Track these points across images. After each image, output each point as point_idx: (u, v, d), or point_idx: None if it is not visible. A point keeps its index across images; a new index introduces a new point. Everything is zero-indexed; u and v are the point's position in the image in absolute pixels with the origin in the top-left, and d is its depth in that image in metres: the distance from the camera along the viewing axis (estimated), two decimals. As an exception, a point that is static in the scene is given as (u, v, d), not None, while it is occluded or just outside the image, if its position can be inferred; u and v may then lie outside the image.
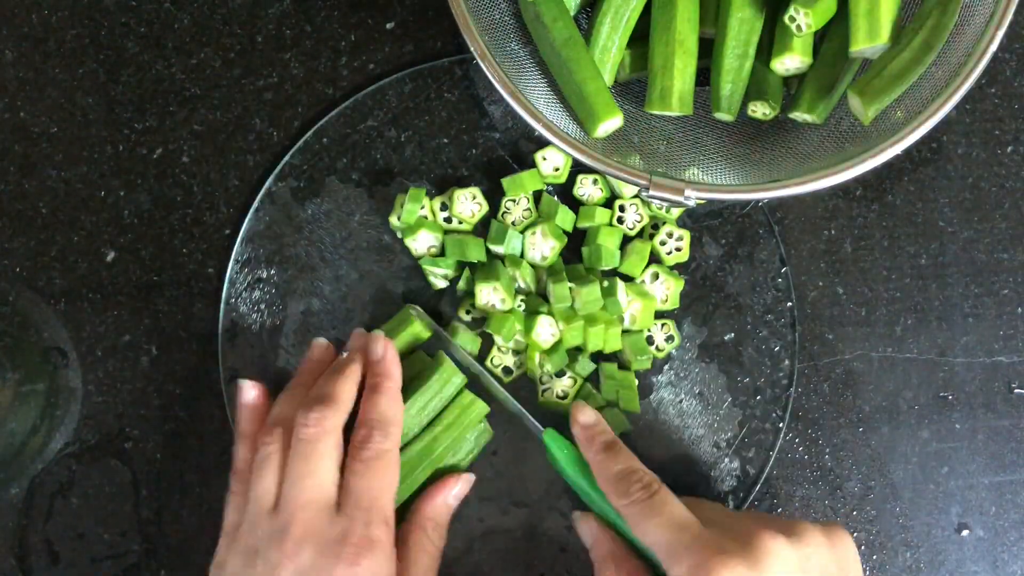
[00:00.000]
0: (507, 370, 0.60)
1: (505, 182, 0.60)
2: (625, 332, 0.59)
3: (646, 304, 0.59)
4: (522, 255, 0.60)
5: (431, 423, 0.58)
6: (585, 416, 0.57)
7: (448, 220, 0.61)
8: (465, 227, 0.61)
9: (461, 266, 0.61)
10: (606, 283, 0.58)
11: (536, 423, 0.58)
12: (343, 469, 0.54)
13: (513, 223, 0.61)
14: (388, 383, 0.56)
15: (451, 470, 0.58)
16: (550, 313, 0.59)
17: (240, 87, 0.63)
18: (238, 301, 0.61)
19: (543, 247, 0.60)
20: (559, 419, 0.58)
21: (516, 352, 0.60)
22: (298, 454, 0.53)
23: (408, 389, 0.58)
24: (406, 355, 0.59)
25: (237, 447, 0.57)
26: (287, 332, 0.61)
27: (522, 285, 0.60)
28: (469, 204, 0.61)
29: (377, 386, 0.56)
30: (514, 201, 0.61)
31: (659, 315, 0.60)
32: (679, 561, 0.48)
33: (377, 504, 0.53)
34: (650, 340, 0.60)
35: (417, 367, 0.59)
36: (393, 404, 0.56)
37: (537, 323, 0.58)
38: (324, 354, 0.59)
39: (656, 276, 0.60)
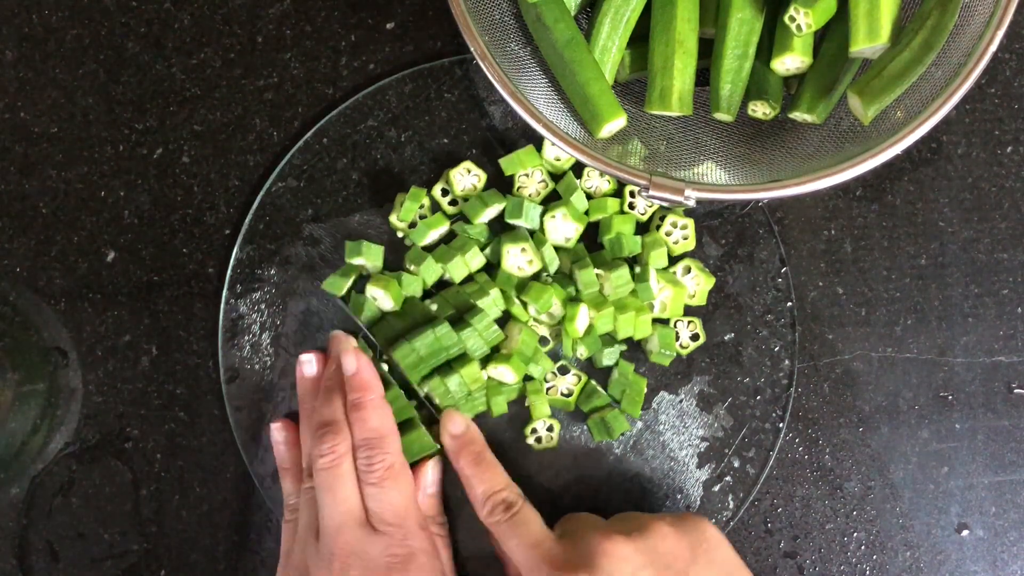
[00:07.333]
0: (544, 340, 0.60)
1: (503, 162, 0.60)
2: (655, 321, 0.59)
3: (677, 292, 0.59)
4: (541, 230, 0.60)
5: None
6: (455, 425, 0.57)
7: (454, 203, 0.61)
8: None
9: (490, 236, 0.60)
10: (637, 269, 0.58)
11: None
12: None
13: (529, 196, 0.61)
14: (368, 396, 0.56)
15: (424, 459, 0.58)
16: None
17: (240, 87, 0.63)
18: (238, 301, 0.61)
19: (565, 229, 0.60)
20: None
21: (550, 324, 0.60)
22: (322, 486, 0.55)
23: None
24: None
25: (282, 481, 0.59)
26: (287, 332, 0.61)
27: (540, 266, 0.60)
28: (468, 178, 0.61)
29: (359, 402, 0.56)
30: (526, 175, 0.61)
31: (686, 312, 0.60)
32: None
33: (405, 513, 0.55)
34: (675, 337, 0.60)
35: None
36: (381, 415, 0.56)
37: (578, 314, 0.58)
38: (315, 369, 0.60)
39: (688, 270, 0.60)
